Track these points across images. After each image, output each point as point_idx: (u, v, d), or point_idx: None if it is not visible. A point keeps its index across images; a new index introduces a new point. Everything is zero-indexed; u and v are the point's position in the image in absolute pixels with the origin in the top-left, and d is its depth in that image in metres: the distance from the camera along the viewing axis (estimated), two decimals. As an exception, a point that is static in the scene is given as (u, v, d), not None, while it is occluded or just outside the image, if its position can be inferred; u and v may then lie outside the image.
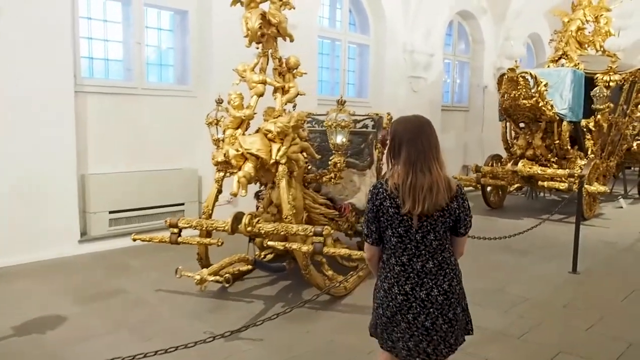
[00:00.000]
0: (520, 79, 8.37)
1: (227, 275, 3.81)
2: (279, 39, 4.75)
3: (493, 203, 9.96)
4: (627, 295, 5.10)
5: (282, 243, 4.25)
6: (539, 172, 8.89)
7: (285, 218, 4.32)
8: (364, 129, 6.09)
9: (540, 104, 8.53)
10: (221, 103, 4.92)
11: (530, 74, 8.42)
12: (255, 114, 4.71)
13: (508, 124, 9.64)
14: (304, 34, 8.68)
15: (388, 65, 10.40)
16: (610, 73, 9.51)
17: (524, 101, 8.49)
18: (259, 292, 5.11)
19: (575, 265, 5.85)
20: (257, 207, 5.41)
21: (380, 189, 2.35)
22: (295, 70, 4.81)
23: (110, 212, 6.72)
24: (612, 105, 9.48)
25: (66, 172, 6.29)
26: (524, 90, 8.42)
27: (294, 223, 4.30)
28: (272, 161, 4.36)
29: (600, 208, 9.89)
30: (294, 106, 5.15)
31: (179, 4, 7.35)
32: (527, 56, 15.04)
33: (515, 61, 9.49)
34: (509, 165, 9.15)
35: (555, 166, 9.13)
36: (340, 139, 4.68)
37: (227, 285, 3.82)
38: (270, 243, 4.27)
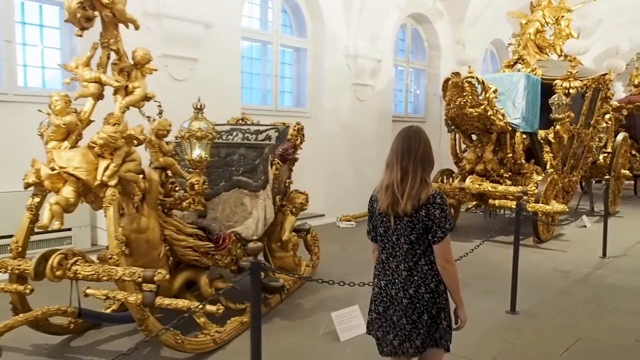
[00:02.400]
0: (466, 84, 7.43)
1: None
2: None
3: (444, 223, 8.96)
4: (569, 345, 4.09)
5: (104, 292, 3.19)
6: (490, 189, 7.94)
7: (110, 258, 3.26)
8: (260, 142, 5.09)
9: (489, 113, 7.60)
10: (59, 108, 3.86)
11: (477, 78, 7.49)
12: (92, 121, 3.69)
13: (457, 135, 8.69)
14: (225, 34, 7.73)
15: (329, 71, 9.42)
16: (570, 79, 8.65)
17: (471, 109, 7.55)
18: (108, 347, 4.02)
19: (514, 303, 4.85)
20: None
21: (374, 192, 2.61)
22: (144, 67, 3.76)
23: (-29, 241, 5.63)
24: (572, 114, 8.61)
25: None
26: (471, 97, 7.47)
27: (122, 264, 3.25)
28: (96, 183, 3.31)
29: (562, 227, 8.97)
30: (160, 113, 4.13)
31: (64, -4, 6.31)
32: (491, 64, 14.27)
33: (469, 67, 8.61)
34: (456, 182, 8.18)
35: (508, 182, 8.20)
36: (197, 153, 3.65)
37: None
38: (89, 292, 3.21)
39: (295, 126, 5.34)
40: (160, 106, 4.10)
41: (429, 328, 2.49)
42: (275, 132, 5.33)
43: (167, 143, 4.16)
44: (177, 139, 4.15)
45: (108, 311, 4.09)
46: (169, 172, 4.09)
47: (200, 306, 3.02)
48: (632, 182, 13.53)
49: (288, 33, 9.37)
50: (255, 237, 4.62)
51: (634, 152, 13.06)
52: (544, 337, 4.28)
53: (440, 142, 11.99)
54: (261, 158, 4.88)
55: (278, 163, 4.89)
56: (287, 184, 5.32)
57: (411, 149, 2.49)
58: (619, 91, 14.50)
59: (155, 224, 3.85)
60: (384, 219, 2.53)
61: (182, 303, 3.06)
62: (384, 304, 2.56)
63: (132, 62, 3.76)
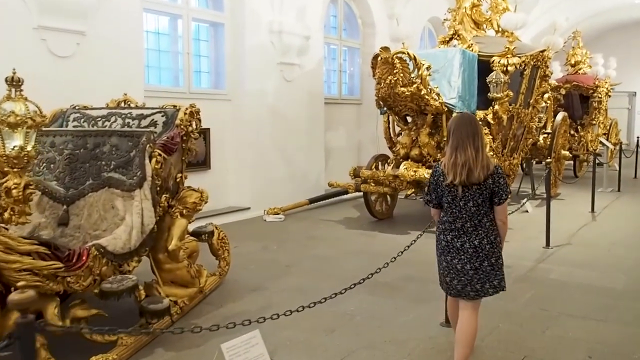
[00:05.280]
0: (397, 60, 6.67)
1: None
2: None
3: (379, 213, 8.22)
4: (511, 368, 3.40)
5: None
6: (426, 176, 7.23)
7: None
8: (139, 130, 4.12)
9: (422, 92, 6.88)
10: None
11: (409, 54, 6.74)
12: None
13: (391, 117, 7.95)
14: (122, 5, 6.64)
15: (250, 49, 8.45)
16: (508, 55, 8.04)
17: (403, 89, 6.80)
18: None
19: (447, 313, 4.12)
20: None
21: (438, 168, 3.22)
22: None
23: None
24: (511, 93, 8.04)
25: None
26: (402, 74, 6.72)
27: None
28: None
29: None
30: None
31: None
32: (429, 43, 13.65)
33: (403, 43, 7.87)
34: (389, 168, 7.45)
35: (446, 168, 7.53)
36: (13, 145, 2.67)
37: None
38: None
39: (187, 109, 4.40)
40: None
41: (489, 275, 3.09)
42: (163, 116, 4.39)
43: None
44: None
45: None
46: (-3, 173, 3.08)
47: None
48: (572, 162, 13.30)
49: (202, 5, 8.33)
50: (128, 250, 3.69)
51: (572, 132, 12.79)
52: (480, 359, 3.57)
53: (377, 125, 11.30)
54: (137, 149, 3.91)
55: (159, 155, 3.94)
56: (177, 180, 4.38)
57: (475, 131, 3.08)
58: (556, 70, 14.24)
59: (-34, 243, 2.85)
60: (452, 189, 3.11)
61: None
62: (451, 254, 3.14)
63: None
